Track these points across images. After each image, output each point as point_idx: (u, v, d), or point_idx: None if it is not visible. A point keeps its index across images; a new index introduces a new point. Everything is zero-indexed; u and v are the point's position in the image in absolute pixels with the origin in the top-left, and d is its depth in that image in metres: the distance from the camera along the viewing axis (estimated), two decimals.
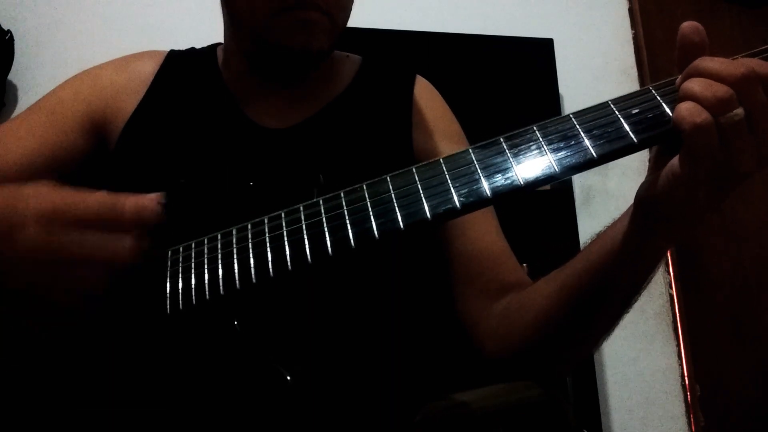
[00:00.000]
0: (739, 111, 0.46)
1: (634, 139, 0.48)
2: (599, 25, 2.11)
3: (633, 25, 2.13)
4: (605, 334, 0.63)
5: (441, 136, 0.79)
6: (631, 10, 2.15)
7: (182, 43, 0.92)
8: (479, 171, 0.50)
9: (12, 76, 1.71)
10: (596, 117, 0.50)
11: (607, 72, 2.05)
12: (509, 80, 1.80)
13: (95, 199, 0.51)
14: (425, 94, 0.83)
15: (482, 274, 0.74)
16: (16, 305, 0.53)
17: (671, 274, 1.94)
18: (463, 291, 0.75)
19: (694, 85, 0.47)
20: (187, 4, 1.79)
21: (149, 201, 0.52)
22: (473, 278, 0.74)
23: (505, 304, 0.70)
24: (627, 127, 0.48)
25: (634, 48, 2.11)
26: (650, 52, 2.06)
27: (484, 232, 0.75)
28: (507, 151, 0.50)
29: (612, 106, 0.50)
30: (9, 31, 1.69)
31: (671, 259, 1.95)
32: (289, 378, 0.55)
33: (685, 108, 0.46)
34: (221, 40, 0.85)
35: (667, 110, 0.48)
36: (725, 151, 0.46)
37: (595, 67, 2.05)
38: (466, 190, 0.49)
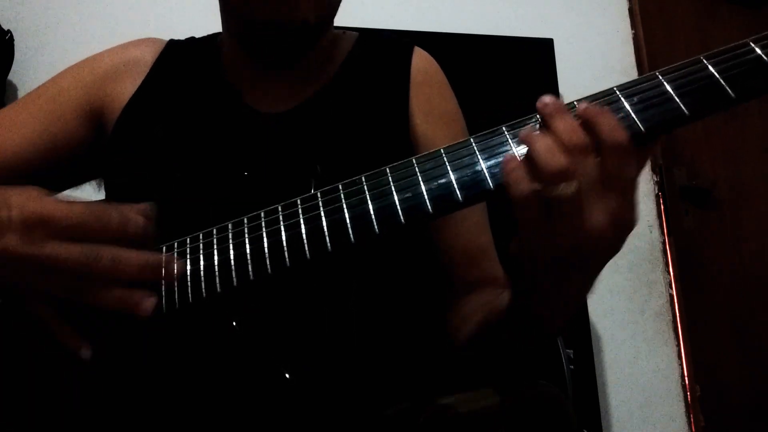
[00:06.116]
0: (573, 184, 0.44)
1: (642, 128, 0.47)
2: (599, 25, 2.11)
3: (633, 25, 2.13)
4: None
5: (437, 117, 0.77)
6: (631, 10, 2.15)
7: None
8: (481, 161, 0.49)
9: (12, 76, 1.71)
10: (601, 105, 0.49)
11: (607, 72, 2.06)
12: (509, 80, 1.81)
13: (80, 209, 0.52)
14: (423, 67, 0.81)
15: (455, 271, 0.74)
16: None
17: (671, 274, 1.94)
18: (443, 283, 0.76)
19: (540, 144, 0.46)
20: (187, 5, 1.79)
21: (135, 214, 0.52)
22: (448, 273, 0.75)
23: (469, 304, 0.71)
24: (634, 115, 0.48)
25: (634, 48, 2.11)
26: (650, 52, 2.06)
27: (464, 230, 0.75)
28: (510, 141, 0.50)
29: (618, 92, 0.49)
30: (9, 31, 1.69)
31: (671, 259, 1.95)
32: (288, 376, 0.54)
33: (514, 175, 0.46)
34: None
35: (674, 95, 0.47)
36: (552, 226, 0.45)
37: (595, 67, 2.05)
38: (467, 180, 0.49)
